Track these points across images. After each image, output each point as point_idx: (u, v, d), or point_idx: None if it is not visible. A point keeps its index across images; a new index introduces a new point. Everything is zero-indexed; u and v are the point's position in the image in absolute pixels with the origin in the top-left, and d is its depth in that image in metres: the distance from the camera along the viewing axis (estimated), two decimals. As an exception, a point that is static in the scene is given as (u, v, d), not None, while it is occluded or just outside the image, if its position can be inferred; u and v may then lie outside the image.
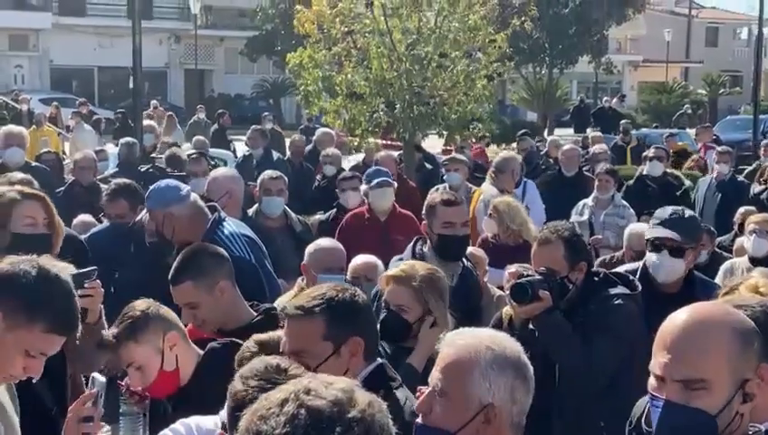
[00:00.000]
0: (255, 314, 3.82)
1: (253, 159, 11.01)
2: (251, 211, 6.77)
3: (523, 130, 16.85)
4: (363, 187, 7.22)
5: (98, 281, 3.47)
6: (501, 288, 6.29)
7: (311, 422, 1.41)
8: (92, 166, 8.37)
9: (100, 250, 5.54)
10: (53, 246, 3.75)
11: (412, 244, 4.78)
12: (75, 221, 6.43)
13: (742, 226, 7.19)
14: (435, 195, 4.91)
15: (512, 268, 3.85)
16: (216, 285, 3.76)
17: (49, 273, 2.63)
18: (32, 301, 2.56)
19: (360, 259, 5.72)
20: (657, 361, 2.11)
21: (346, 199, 7.70)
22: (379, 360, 2.94)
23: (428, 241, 4.70)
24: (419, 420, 2.34)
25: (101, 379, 2.78)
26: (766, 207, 8.47)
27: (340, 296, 2.79)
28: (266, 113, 21.62)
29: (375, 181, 7.01)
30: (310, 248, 4.71)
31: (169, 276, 3.82)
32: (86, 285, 3.37)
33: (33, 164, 8.57)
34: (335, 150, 11.04)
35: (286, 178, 7.07)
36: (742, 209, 7.83)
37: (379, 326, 3.47)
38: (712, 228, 7.87)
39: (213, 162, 11.01)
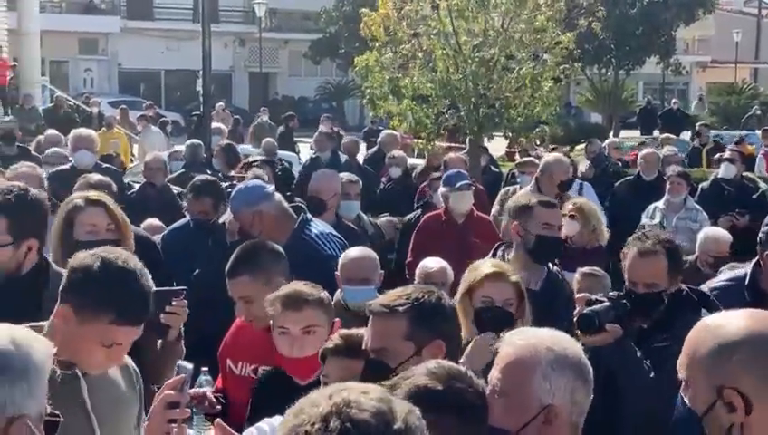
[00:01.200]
0: None
1: (321, 162, 11.04)
2: None
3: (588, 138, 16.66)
4: (442, 189, 7.15)
5: (185, 301, 3.43)
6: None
7: None
8: (162, 167, 8.46)
9: (178, 246, 5.58)
10: None
11: (493, 250, 4.72)
12: (144, 225, 6.48)
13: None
14: (526, 196, 4.85)
15: (579, 295, 3.71)
16: (272, 281, 3.82)
17: (112, 265, 2.69)
18: (96, 295, 2.65)
19: (432, 262, 5.72)
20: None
21: (438, 199, 7.65)
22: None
23: (513, 246, 4.63)
24: None
25: (188, 366, 2.79)
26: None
27: (425, 298, 2.78)
28: (325, 115, 21.68)
29: (457, 184, 6.97)
30: (341, 258, 4.64)
31: (226, 269, 3.88)
32: (173, 303, 3.36)
33: (104, 166, 8.67)
34: (401, 152, 11.04)
35: (361, 183, 7.07)
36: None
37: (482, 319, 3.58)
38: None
39: (281, 165, 11.12)
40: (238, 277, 3.84)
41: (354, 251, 4.65)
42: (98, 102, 23.84)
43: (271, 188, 5.16)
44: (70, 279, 2.71)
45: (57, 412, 1.96)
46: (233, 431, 2.73)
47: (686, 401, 2.13)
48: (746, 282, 4.12)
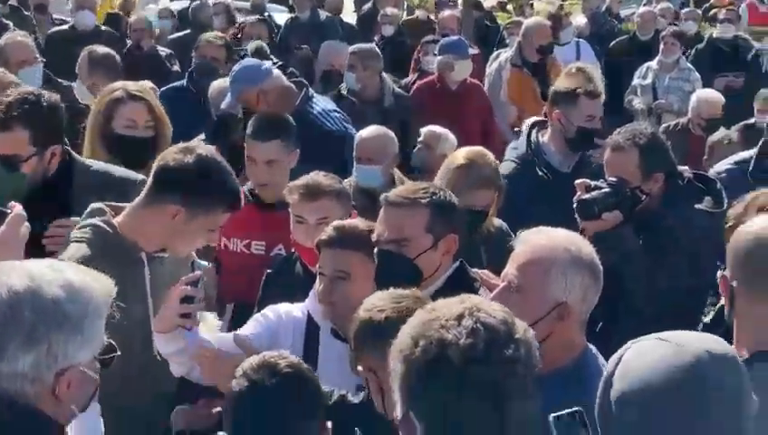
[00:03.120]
0: None
1: (300, 21, 10.77)
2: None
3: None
4: (440, 57, 7.01)
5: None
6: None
7: (489, 337, 1.54)
8: (148, 27, 8.21)
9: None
10: (157, 148, 3.70)
11: (527, 130, 4.56)
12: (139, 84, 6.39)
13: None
14: (573, 80, 4.60)
15: (579, 181, 3.68)
16: (293, 150, 4.01)
17: (209, 158, 2.89)
18: (211, 192, 2.86)
19: (429, 126, 5.75)
20: None
21: (427, 63, 7.57)
22: (460, 260, 2.96)
23: (548, 128, 4.48)
24: None
25: (204, 263, 2.86)
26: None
27: (441, 193, 2.86)
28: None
29: (456, 52, 6.89)
30: (356, 136, 4.65)
31: (253, 132, 3.99)
32: None
33: (104, 28, 8.51)
34: (394, 9, 10.78)
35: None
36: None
37: None
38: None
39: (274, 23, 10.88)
40: (270, 141, 3.94)
41: (369, 130, 4.63)
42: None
43: (268, 63, 5.15)
44: (176, 180, 2.86)
45: (114, 344, 1.97)
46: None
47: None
48: (751, 166, 4.14)
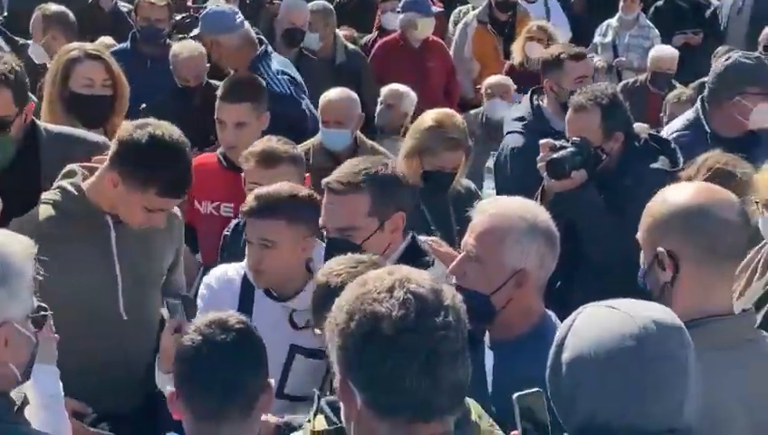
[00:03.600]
0: None
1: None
2: None
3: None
4: (404, 14, 7.05)
5: None
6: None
7: (420, 306, 1.59)
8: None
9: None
10: (115, 108, 3.78)
11: (529, 96, 4.56)
12: (97, 43, 6.32)
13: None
14: (557, 48, 4.70)
15: (544, 141, 3.72)
16: (264, 114, 4.05)
17: (161, 142, 2.86)
18: (145, 169, 2.84)
19: (389, 85, 5.80)
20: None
21: (388, 21, 7.59)
22: (411, 233, 2.96)
23: (546, 96, 4.50)
24: (453, 282, 2.49)
25: (176, 301, 2.80)
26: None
27: (382, 171, 2.81)
28: None
29: (419, 10, 6.93)
30: (321, 98, 4.63)
31: (224, 94, 4.03)
32: None
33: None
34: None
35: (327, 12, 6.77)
36: (767, 30, 7.66)
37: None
38: (736, 50, 7.76)
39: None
40: (241, 103, 3.98)
41: (332, 92, 4.62)
42: None
43: (239, 18, 5.11)
44: (120, 151, 2.90)
45: (45, 305, 2.03)
46: None
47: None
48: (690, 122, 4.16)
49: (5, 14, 7.89)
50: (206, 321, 2.25)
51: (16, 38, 5.95)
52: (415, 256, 2.83)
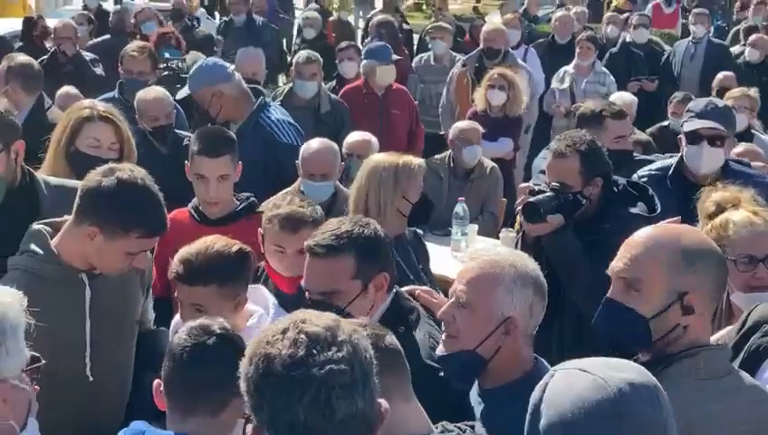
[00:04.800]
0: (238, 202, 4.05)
1: (234, 25, 10.75)
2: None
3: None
4: (366, 62, 7.17)
5: None
6: (496, 160, 6.46)
7: (310, 342, 1.69)
8: (73, 35, 8.17)
9: None
10: None
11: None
12: (60, 92, 6.33)
13: (721, 93, 7.19)
14: (598, 104, 4.66)
15: (523, 184, 3.79)
16: (238, 164, 4.02)
17: (133, 182, 2.84)
18: (124, 215, 2.82)
19: (355, 136, 5.83)
20: (613, 262, 2.39)
21: (344, 70, 7.68)
22: (395, 290, 2.88)
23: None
24: (443, 334, 2.54)
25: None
26: (744, 72, 8.53)
27: (365, 232, 2.75)
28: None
29: (379, 58, 7.04)
30: (302, 150, 4.61)
31: (203, 149, 3.95)
32: None
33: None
34: (314, 13, 10.88)
35: (321, 61, 6.88)
36: (720, 75, 7.87)
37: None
38: (692, 96, 7.95)
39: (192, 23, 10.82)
40: (221, 157, 3.92)
41: (315, 144, 4.60)
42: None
43: (231, 67, 5.15)
44: (91, 202, 2.85)
45: (38, 355, 2.02)
46: None
47: (625, 301, 2.33)
48: (670, 172, 4.28)
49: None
50: (195, 324, 2.42)
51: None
52: (399, 314, 2.80)
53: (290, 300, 3.19)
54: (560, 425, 1.76)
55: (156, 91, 5.38)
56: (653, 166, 4.45)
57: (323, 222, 3.27)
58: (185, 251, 3.04)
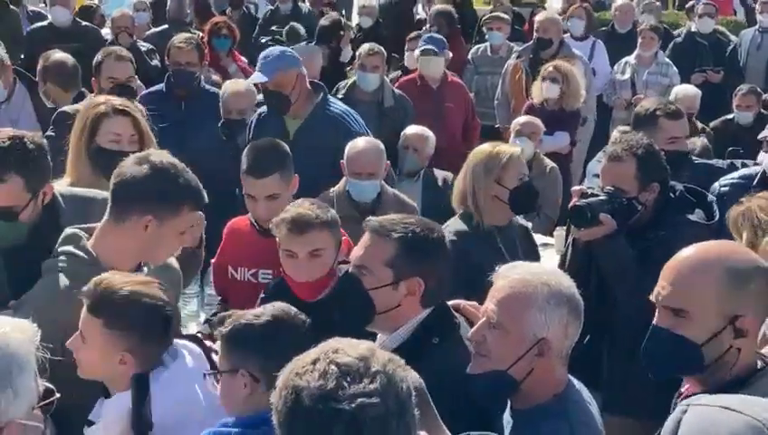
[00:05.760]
0: None
1: (280, 13, 10.72)
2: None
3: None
4: (416, 52, 7.09)
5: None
6: (552, 154, 6.34)
7: (341, 374, 1.62)
8: (130, 25, 8.21)
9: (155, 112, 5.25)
10: None
11: None
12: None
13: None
14: (653, 103, 4.52)
15: (576, 187, 3.69)
16: (294, 178, 3.93)
17: (164, 163, 2.89)
18: (175, 193, 2.87)
19: (411, 129, 5.77)
20: (656, 289, 2.27)
21: (410, 62, 7.61)
22: (438, 305, 2.79)
23: None
24: (472, 349, 2.44)
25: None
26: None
27: (420, 231, 2.73)
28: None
29: (424, 47, 6.94)
30: (347, 148, 4.56)
31: (249, 168, 3.87)
32: None
33: (83, 24, 8.44)
34: (371, 1, 10.76)
35: (384, 53, 6.78)
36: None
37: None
38: (758, 88, 7.74)
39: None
40: (269, 175, 3.83)
41: (361, 142, 4.57)
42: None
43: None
44: (139, 191, 2.86)
45: (52, 388, 1.94)
46: None
47: (673, 328, 2.22)
48: (755, 181, 4.03)
49: (22, 56, 7.95)
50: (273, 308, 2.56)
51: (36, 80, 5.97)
52: (436, 325, 2.73)
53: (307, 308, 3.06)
54: None
55: (239, 85, 5.50)
56: (736, 174, 4.22)
57: (335, 223, 3.33)
58: (95, 281, 2.69)
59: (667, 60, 8.46)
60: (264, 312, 2.58)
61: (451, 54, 7.32)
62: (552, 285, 2.36)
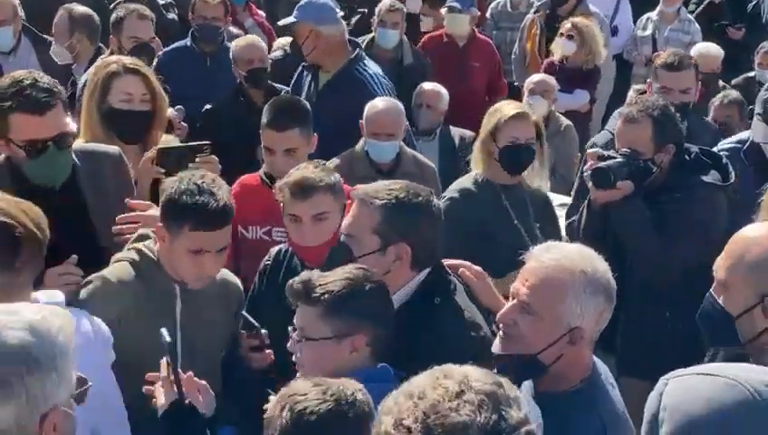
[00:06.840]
0: None
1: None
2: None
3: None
4: (442, 9, 7.06)
5: (213, 156, 3.55)
6: (570, 113, 6.32)
7: (494, 405, 1.48)
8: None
9: (177, 72, 5.30)
10: (153, 123, 3.75)
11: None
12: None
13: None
14: (664, 55, 4.67)
15: (591, 150, 3.70)
16: (312, 137, 3.96)
17: (187, 178, 2.91)
18: (173, 208, 2.90)
19: (424, 86, 5.76)
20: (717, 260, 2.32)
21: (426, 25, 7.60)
22: (432, 267, 2.79)
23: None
24: (500, 332, 2.39)
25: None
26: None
27: (404, 196, 2.73)
28: None
29: (450, 4, 6.92)
30: (366, 108, 4.56)
31: (270, 121, 3.90)
32: (198, 160, 3.49)
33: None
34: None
35: (405, 10, 6.77)
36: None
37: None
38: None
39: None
40: (288, 130, 3.86)
41: (380, 103, 4.55)
42: None
43: (341, 13, 5.12)
44: (161, 205, 2.96)
45: (85, 377, 1.96)
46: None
47: (719, 301, 2.27)
48: (745, 146, 4.10)
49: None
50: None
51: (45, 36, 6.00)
52: (435, 286, 2.76)
53: None
54: (691, 428, 1.61)
55: (249, 38, 5.53)
56: (734, 138, 4.29)
57: (339, 186, 3.28)
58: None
59: (690, 16, 8.36)
60: (357, 275, 2.53)
61: (479, 12, 7.26)
62: (589, 272, 2.29)
